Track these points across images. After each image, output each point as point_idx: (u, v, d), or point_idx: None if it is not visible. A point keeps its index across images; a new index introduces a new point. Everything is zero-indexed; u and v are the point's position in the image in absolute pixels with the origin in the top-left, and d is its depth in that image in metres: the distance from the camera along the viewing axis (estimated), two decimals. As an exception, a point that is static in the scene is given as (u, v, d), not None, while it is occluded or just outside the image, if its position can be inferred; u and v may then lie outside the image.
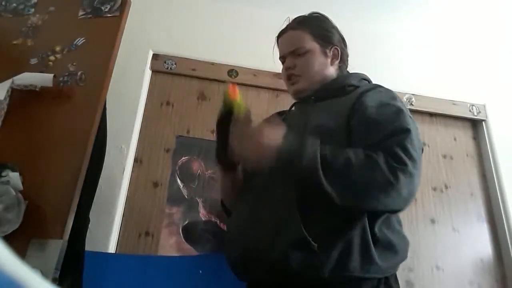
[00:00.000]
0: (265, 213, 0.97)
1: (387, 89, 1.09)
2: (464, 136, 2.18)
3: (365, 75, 1.21)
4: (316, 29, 1.18)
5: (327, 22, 1.24)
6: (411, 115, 1.01)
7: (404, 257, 0.97)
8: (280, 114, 1.32)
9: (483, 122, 2.18)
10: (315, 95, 1.12)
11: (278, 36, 1.25)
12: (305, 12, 1.26)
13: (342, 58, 1.21)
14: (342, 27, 2.18)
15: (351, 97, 1.04)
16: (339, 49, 1.19)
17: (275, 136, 0.90)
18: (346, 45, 1.25)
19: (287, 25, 1.23)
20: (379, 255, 0.89)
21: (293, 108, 1.26)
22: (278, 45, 1.26)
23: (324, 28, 1.20)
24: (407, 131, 0.92)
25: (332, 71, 1.17)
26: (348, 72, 1.25)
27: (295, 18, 1.24)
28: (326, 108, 1.06)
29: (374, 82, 1.19)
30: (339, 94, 1.09)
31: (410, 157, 0.88)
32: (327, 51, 1.17)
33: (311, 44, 1.16)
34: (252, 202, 1.04)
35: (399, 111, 0.97)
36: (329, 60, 1.17)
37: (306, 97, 1.14)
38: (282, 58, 1.23)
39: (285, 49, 1.20)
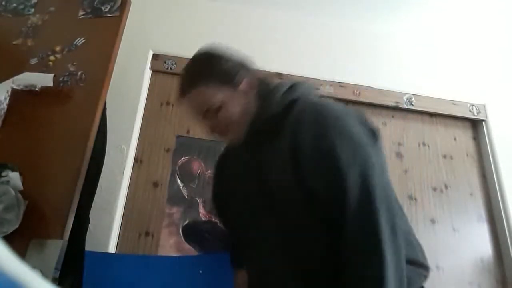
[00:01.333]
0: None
1: (316, 111, 0.93)
2: (464, 136, 2.18)
3: (286, 83, 1.04)
4: (214, 76, 1.01)
5: (220, 58, 1.04)
6: (348, 126, 0.90)
7: None
8: (225, 156, 1.22)
9: (483, 122, 2.18)
10: (249, 140, 1.01)
11: (178, 100, 1.06)
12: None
13: (253, 82, 1.04)
14: (342, 27, 2.20)
15: (284, 140, 0.93)
16: (247, 78, 1.03)
17: None
18: (246, 62, 1.06)
19: (181, 87, 1.04)
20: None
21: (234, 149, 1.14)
22: (182, 107, 1.08)
23: (221, 69, 1.02)
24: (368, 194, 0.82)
25: (253, 105, 1.02)
26: (266, 89, 1.05)
27: (186, 74, 1.05)
28: (270, 160, 0.96)
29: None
30: (272, 132, 0.97)
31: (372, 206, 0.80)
32: (238, 89, 1.01)
33: (220, 95, 0.99)
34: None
35: (338, 156, 0.85)
36: (244, 97, 1.01)
37: (244, 142, 1.03)
38: (198, 120, 1.07)
39: (197, 112, 1.04)
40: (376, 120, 2.11)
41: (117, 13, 1.41)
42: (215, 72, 1.01)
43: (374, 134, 0.93)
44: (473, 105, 2.19)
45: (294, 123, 0.93)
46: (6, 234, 1.02)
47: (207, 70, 1.02)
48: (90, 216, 1.33)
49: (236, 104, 1.00)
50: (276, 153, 0.94)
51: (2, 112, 1.23)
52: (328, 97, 2.05)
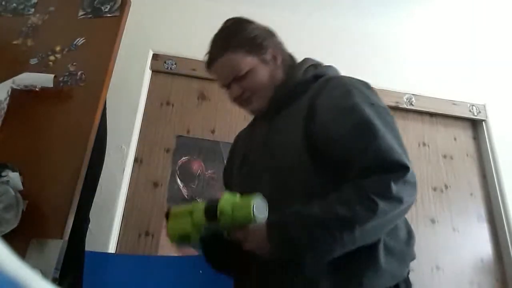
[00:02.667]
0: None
1: (340, 80, 1.00)
2: (464, 136, 2.18)
3: (313, 60, 1.10)
4: (242, 42, 1.04)
5: (248, 26, 1.09)
6: (374, 97, 0.96)
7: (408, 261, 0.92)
8: (244, 130, 1.24)
9: (483, 122, 2.18)
10: (271, 108, 1.04)
11: (208, 66, 1.09)
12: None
13: (281, 52, 1.09)
14: (342, 27, 2.20)
15: (303, 102, 0.97)
16: (272, 48, 1.07)
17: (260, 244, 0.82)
18: (273, 33, 1.12)
19: (211, 53, 1.07)
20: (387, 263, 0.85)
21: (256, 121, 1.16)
22: (211, 73, 1.10)
23: (250, 36, 1.06)
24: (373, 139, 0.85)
25: (279, 74, 1.06)
26: (292, 63, 1.11)
27: (215, 40, 1.08)
28: (283, 123, 1.00)
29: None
30: (293, 98, 1.01)
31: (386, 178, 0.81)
32: (265, 57, 1.05)
33: (248, 62, 1.02)
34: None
35: (357, 114, 0.89)
36: (271, 65, 1.05)
37: (265, 112, 1.06)
38: (225, 86, 1.09)
39: (224, 79, 1.06)
40: (376, 120, 2.11)
41: (117, 13, 1.41)
42: (243, 39, 1.05)
43: None
44: (473, 105, 2.20)
45: (317, 88, 0.97)
46: (4, 233, 1.02)
47: (235, 37, 1.05)
48: (90, 216, 1.33)
49: (263, 72, 1.04)
50: (289, 116, 0.98)
51: (2, 112, 1.23)
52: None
